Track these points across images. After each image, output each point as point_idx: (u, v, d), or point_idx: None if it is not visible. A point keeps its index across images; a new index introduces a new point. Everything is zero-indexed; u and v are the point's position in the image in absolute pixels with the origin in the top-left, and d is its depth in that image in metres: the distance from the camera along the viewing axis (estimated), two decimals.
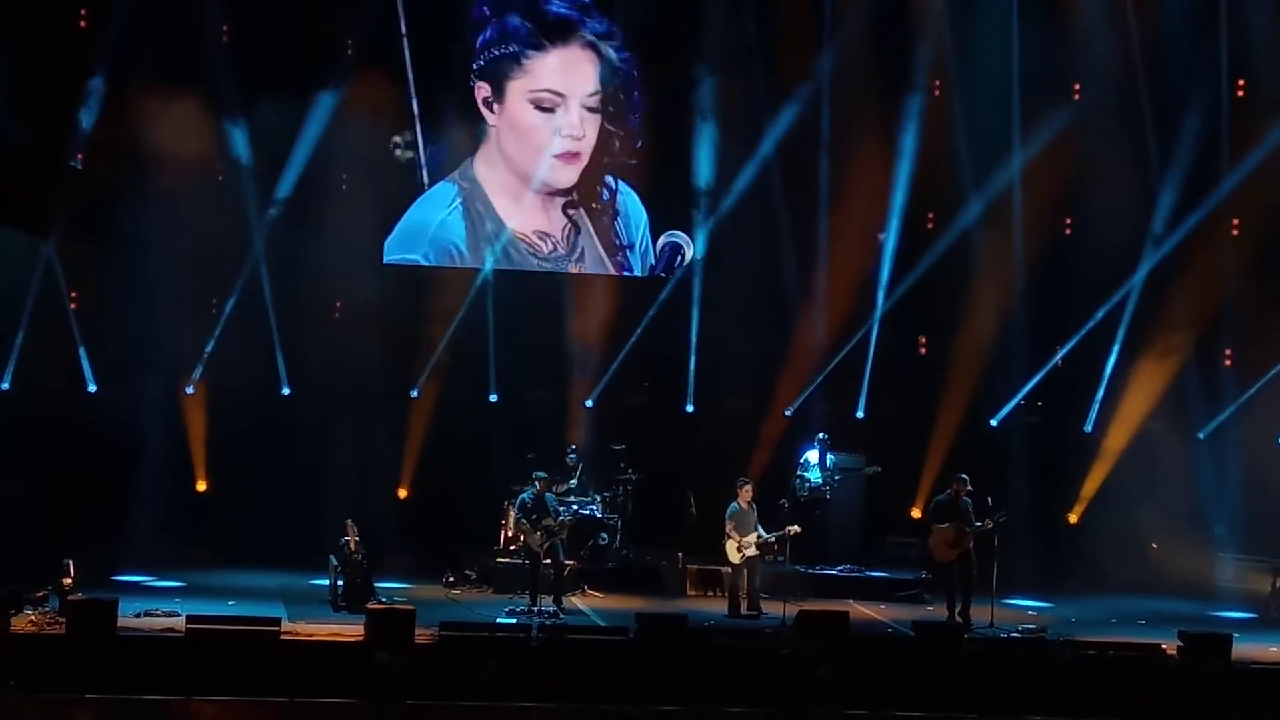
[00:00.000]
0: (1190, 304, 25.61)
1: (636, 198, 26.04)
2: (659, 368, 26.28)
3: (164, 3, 24.09)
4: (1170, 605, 23.56)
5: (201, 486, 24.57)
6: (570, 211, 25.88)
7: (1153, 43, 25.73)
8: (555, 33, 25.49)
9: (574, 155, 25.64)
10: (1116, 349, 25.82)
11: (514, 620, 20.14)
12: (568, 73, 25.54)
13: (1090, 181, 25.88)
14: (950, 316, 26.04)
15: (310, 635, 18.67)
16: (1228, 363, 25.94)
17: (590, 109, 25.59)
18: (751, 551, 21.65)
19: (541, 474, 21.99)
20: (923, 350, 26.64)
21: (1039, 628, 21.07)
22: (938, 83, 26.22)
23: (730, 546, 21.78)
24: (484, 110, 25.54)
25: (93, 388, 24.47)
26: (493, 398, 25.50)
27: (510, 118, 25.58)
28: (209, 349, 24.54)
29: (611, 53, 25.55)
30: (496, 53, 25.37)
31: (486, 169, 25.69)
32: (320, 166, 24.85)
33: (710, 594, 23.21)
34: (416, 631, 18.00)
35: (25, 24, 23.44)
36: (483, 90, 25.47)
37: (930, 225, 26.38)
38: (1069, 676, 18.45)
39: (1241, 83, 25.79)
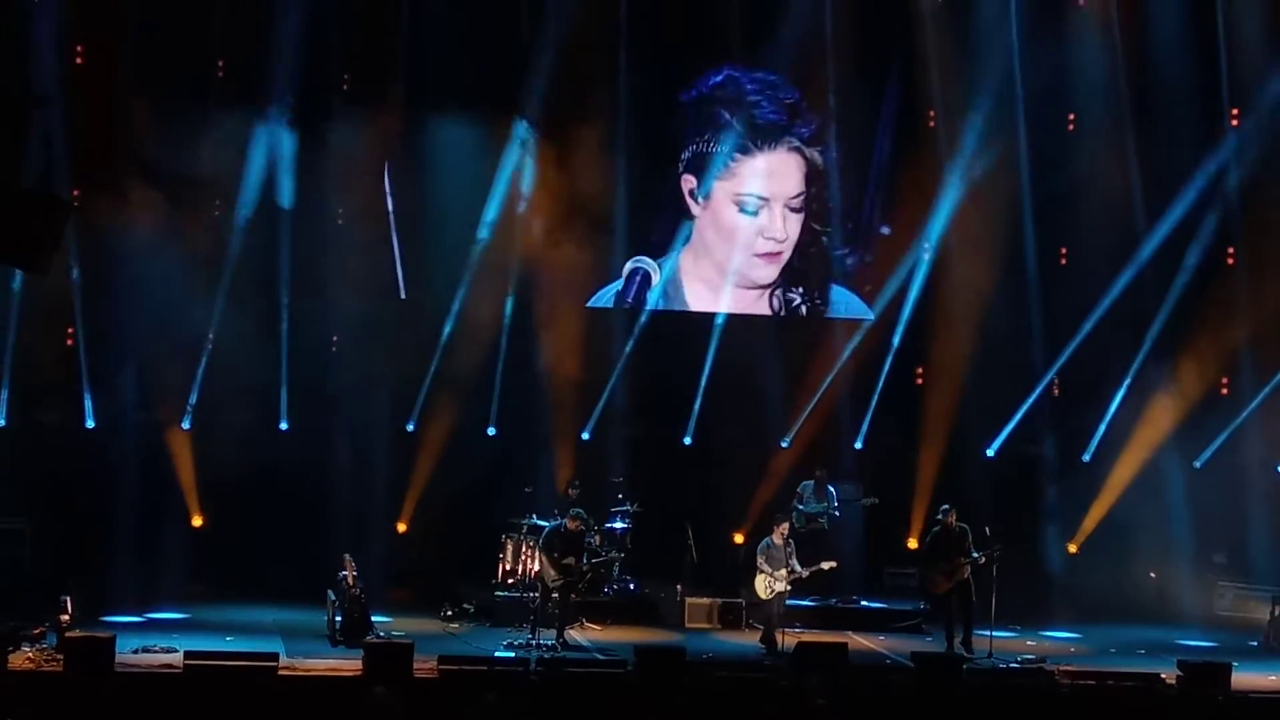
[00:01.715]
0: (1196, 336, 25.62)
1: (844, 290, 26.48)
2: (659, 400, 26.23)
3: (160, 36, 24.12)
4: (1170, 634, 23.57)
5: (197, 522, 24.52)
6: (774, 301, 26.33)
7: (1148, 70, 25.81)
8: (764, 138, 25.91)
9: (775, 255, 26.09)
10: (1127, 382, 25.81)
11: (513, 654, 20.13)
12: (773, 176, 26.07)
13: (1086, 210, 25.94)
14: (947, 348, 26.03)
15: (308, 670, 18.65)
16: (1224, 391, 25.94)
17: (793, 209, 25.98)
18: (782, 587, 21.47)
19: (579, 511, 21.95)
20: (919, 381, 26.62)
21: (1038, 658, 21.05)
22: (931, 112, 26.32)
23: (760, 581, 21.66)
24: (689, 200, 26.00)
25: (90, 423, 24.45)
26: (491, 431, 25.47)
27: (714, 214, 26.11)
28: (205, 384, 24.51)
29: (817, 156, 25.98)
30: (704, 148, 25.84)
31: (691, 257, 26.21)
32: (317, 199, 24.87)
33: (719, 626, 23.26)
34: (415, 665, 17.99)
35: (21, 59, 23.68)
36: (689, 182, 25.98)
37: (927, 255, 26.42)
38: (1068, 707, 18.42)
39: (1235, 112, 25.86)
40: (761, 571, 21.60)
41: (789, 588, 21.54)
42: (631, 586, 23.91)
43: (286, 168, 24.49)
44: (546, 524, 22.49)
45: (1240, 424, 25.64)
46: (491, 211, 25.16)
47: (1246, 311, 25.64)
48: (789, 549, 21.64)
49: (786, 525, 21.86)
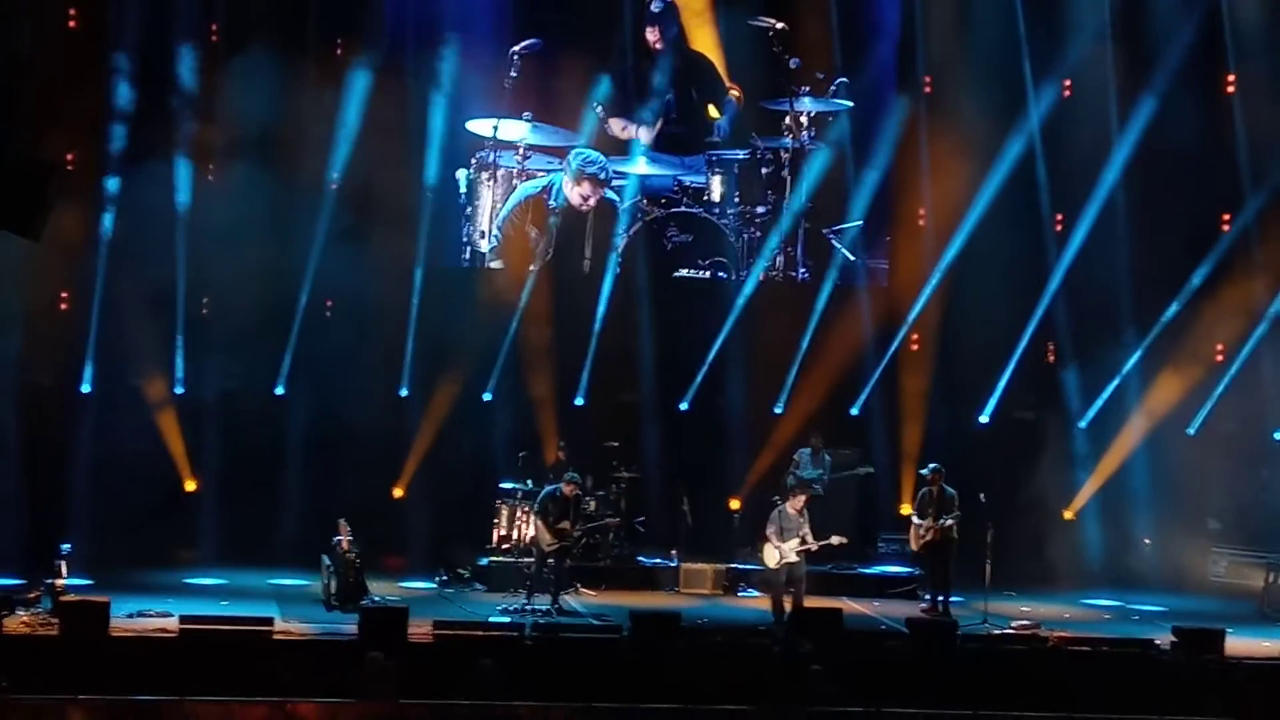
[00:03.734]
0: (1195, 303, 25.58)
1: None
2: (658, 366, 26.11)
3: (152, 2, 24.04)
4: (1164, 601, 23.61)
5: (191, 486, 24.48)
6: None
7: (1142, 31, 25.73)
8: None
9: None
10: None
11: (508, 619, 20.16)
12: None
13: (1079, 178, 25.86)
14: (941, 313, 25.97)
15: (303, 635, 18.68)
16: (1220, 358, 25.90)
17: None
18: (792, 558, 21.32)
19: (574, 475, 21.96)
20: (915, 347, 26.53)
21: (1033, 623, 21.09)
22: (928, 79, 26.23)
23: (768, 551, 21.54)
24: None
25: (86, 388, 24.38)
26: (486, 396, 25.40)
27: None
28: (201, 348, 24.46)
29: None
30: None
31: None
32: (311, 163, 24.77)
33: (715, 592, 23.33)
34: (410, 630, 18.01)
35: (15, 26, 23.61)
36: None
37: (921, 222, 26.35)
38: (1063, 672, 18.47)
39: (1232, 78, 25.78)
40: (769, 541, 21.55)
41: (798, 558, 21.44)
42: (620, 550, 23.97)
43: (282, 130, 24.41)
44: (530, 487, 22.58)
45: (1234, 390, 25.55)
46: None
47: (1243, 279, 25.59)
48: (803, 519, 21.52)
49: (804, 497, 21.71)
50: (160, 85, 23.94)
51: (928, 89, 26.28)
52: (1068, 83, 26.19)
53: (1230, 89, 25.85)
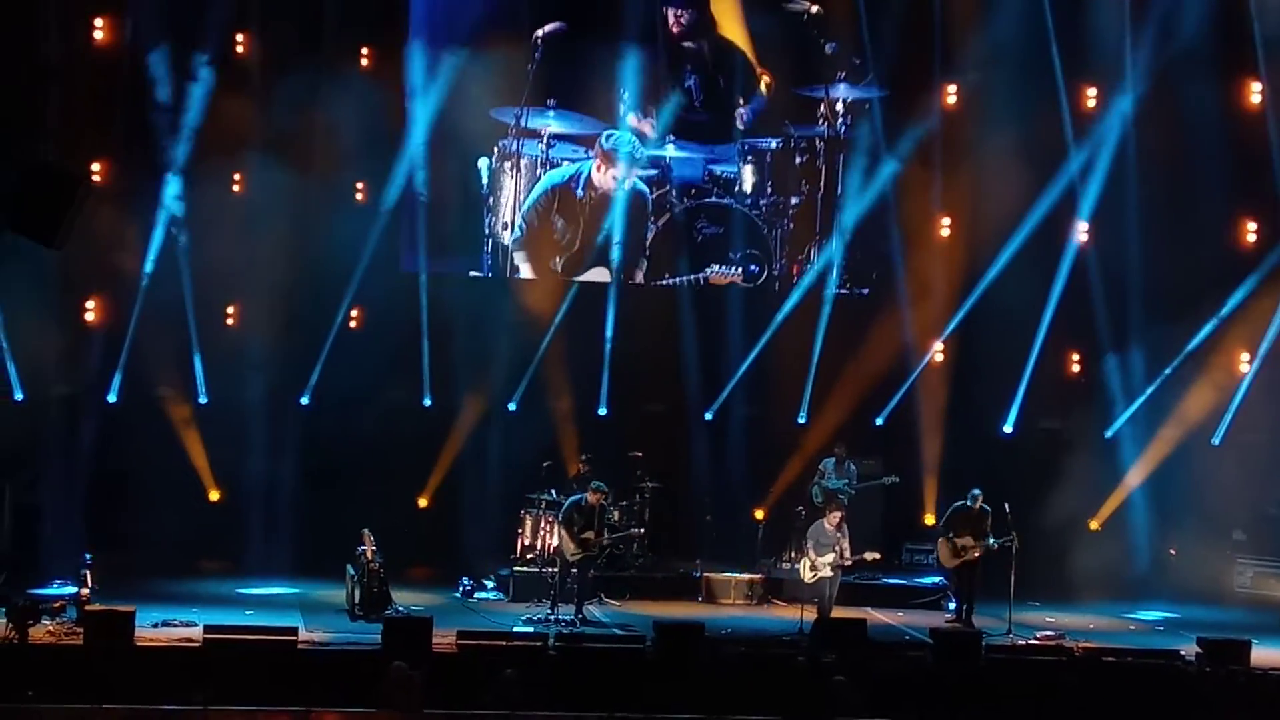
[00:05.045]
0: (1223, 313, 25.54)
1: None
2: (683, 375, 26.07)
3: (179, 12, 24.07)
4: (1189, 611, 23.53)
5: (215, 496, 24.51)
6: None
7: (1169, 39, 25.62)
8: None
9: None
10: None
11: (531, 629, 20.15)
12: None
13: (1106, 185, 25.75)
14: (967, 322, 25.91)
15: (327, 644, 18.70)
16: (1245, 367, 25.79)
17: None
18: (826, 572, 21.33)
19: (599, 484, 21.96)
20: (940, 356, 26.43)
21: (1057, 633, 21.04)
22: (955, 88, 26.10)
23: (804, 564, 21.57)
24: None
25: (112, 398, 24.42)
26: (511, 406, 25.41)
27: None
28: (226, 358, 24.50)
29: None
30: None
31: None
32: (337, 175, 24.80)
33: (739, 602, 23.30)
34: (434, 640, 18.03)
35: (41, 36, 23.69)
36: None
37: (948, 230, 26.25)
38: (1087, 683, 18.42)
39: (1260, 88, 25.67)
40: (806, 555, 21.55)
41: (833, 573, 21.39)
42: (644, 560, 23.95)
43: (304, 142, 24.45)
44: (554, 496, 22.58)
45: (1260, 400, 25.44)
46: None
47: (1272, 287, 25.47)
48: (841, 535, 21.48)
49: (840, 513, 21.72)
50: (187, 95, 23.98)
51: (954, 99, 26.12)
52: (1093, 91, 26.07)
53: (1258, 96, 25.71)
